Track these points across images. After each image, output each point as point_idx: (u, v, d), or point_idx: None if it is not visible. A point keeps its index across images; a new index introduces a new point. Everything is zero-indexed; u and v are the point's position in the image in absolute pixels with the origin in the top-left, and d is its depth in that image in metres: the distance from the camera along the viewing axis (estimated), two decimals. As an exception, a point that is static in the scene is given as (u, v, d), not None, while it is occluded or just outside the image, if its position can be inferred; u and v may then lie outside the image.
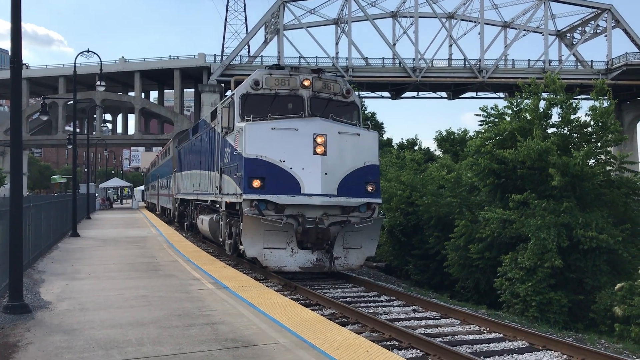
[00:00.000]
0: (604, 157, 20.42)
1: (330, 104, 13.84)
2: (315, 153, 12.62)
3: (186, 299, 9.32)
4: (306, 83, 13.52)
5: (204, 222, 18.16)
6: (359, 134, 13.44)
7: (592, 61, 73.31)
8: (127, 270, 12.84)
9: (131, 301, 9.18)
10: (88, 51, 25.70)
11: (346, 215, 13.13)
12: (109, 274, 12.30)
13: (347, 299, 11.93)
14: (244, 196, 12.60)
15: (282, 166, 12.60)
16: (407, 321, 10.27)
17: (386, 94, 76.55)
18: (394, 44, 72.19)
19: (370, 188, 13.36)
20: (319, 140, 12.63)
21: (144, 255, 15.73)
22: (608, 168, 20.36)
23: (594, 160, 20.18)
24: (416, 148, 45.59)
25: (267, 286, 11.52)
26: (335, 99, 13.97)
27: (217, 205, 15.93)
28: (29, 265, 12.92)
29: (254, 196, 12.52)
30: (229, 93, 23.25)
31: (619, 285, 16.02)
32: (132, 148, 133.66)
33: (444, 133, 41.36)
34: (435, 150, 44.15)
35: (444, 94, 77.59)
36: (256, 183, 12.54)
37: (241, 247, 12.93)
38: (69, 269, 13.10)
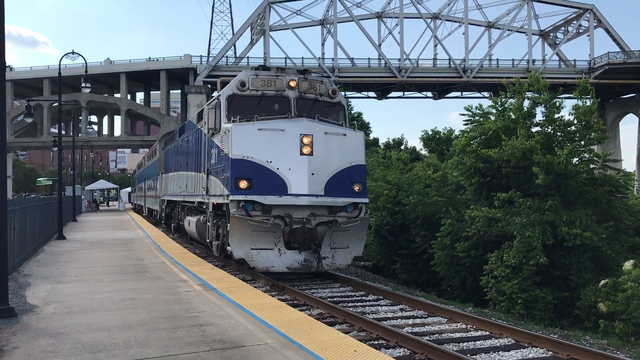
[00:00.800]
0: (587, 156, 20.67)
1: (317, 104, 13.89)
2: (302, 153, 12.65)
3: (174, 301, 9.31)
4: (292, 84, 13.56)
5: (191, 223, 18.12)
6: (345, 134, 13.48)
7: (575, 60, 74.12)
8: (114, 272, 12.79)
9: (118, 304, 9.16)
10: (73, 53, 25.52)
11: (333, 215, 13.17)
12: (96, 276, 12.24)
13: (335, 299, 11.99)
14: (231, 197, 12.58)
15: (269, 167, 12.61)
16: (394, 320, 10.33)
17: (372, 94, 76.81)
18: (380, 45, 72.47)
19: (357, 188, 13.41)
20: (306, 140, 12.67)
21: (131, 257, 15.67)
22: (591, 166, 20.62)
23: (577, 159, 20.42)
24: (402, 147, 45.83)
25: (254, 287, 11.53)
26: (322, 100, 14.02)
27: (204, 207, 15.90)
28: (15, 268, 12.83)
29: (241, 197, 12.52)
30: (215, 94, 23.21)
31: (603, 282, 16.24)
32: (118, 150, 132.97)
33: (430, 132, 41.65)
34: (421, 149, 44.43)
35: (429, 94, 77.98)
36: (243, 184, 12.55)
37: (228, 248, 12.93)
38: (55, 272, 13.02)
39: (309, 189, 12.66)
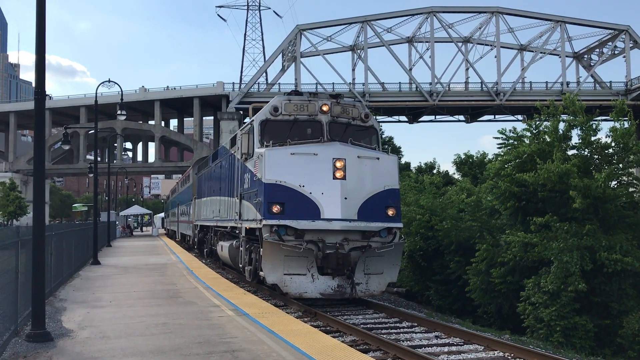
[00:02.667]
0: (626, 179, 20.17)
1: (349, 128, 13.80)
2: (334, 177, 12.52)
3: (206, 326, 9.28)
4: (325, 108, 13.51)
5: (223, 248, 18.07)
6: (378, 158, 13.36)
7: (610, 82, 72.90)
8: (147, 297, 12.86)
9: (152, 329, 9.17)
10: (109, 81, 26.14)
11: (366, 240, 12.91)
12: (130, 301, 12.32)
13: (368, 325, 11.80)
14: (264, 222, 12.47)
15: (302, 191, 12.52)
16: (429, 347, 10.11)
17: (403, 118, 76.71)
18: (411, 69, 72.52)
19: (390, 212, 13.18)
20: (338, 164, 12.56)
21: (164, 282, 15.76)
22: (631, 190, 20.10)
23: (616, 182, 19.94)
24: (435, 172, 45.42)
25: (287, 313, 11.45)
26: (354, 124, 13.92)
27: (237, 232, 15.80)
28: (51, 293, 13.00)
29: (274, 221, 12.39)
30: (247, 120, 23.44)
31: (646, 309, 15.69)
32: (152, 176, 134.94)
33: (463, 156, 41.18)
34: (454, 173, 43.95)
35: (461, 117, 77.54)
36: (276, 208, 12.46)
37: (261, 273, 12.75)
38: (90, 296, 13.16)
39: (342, 213, 12.48)
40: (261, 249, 12.60)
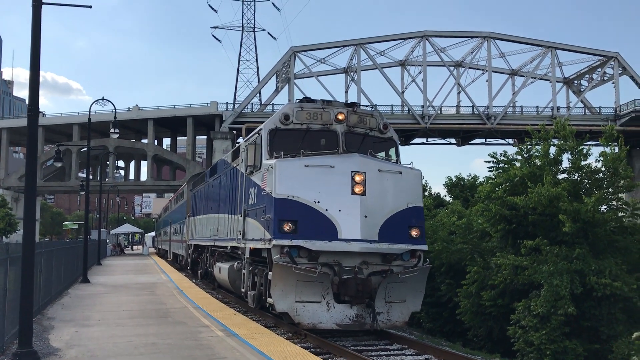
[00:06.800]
0: (615, 204, 20.31)
1: (366, 139, 12.70)
2: (353, 193, 11.33)
3: (195, 347, 9.24)
4: (340, 117, 12.37)
5: (222, 270, 16.61)
6: (400, 172, 12.20)
7: (600, 108, 73.68)
8: (137, 316, 12.78)
9: (140, 349, 9.11)
10: (103, 99, 26.22)
11: (388, 264, 11.71)
12: (119, 320, 12.24)
13: (358, 347, 11.75)
14: (274, 241, 11.17)
15: (317, 207, 11.29)
16: (419, 370, 10.08)
17: (396, 140, 76.90)
18: (403, 92, 73.10)
19: (414, 233, 12.01)
20: (358, 178, 11.37)
21: (154, 301, 15.67)
22: (620, 214, 20.23)
23: (605, 207, 20.07)
24: (426, 194, 45.50)
25: (277, 333, 11.40)
26: (372, 134, 12.84)
27: (239, 252, 14.48)
28: (39, 311, 12.90)
29: (285, 241, 11.13)
30: (240, 140, 23.27)
31: (636, 334, 15.67)
32: (144, 194, 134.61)
33: (454, 179, 41.31)
34: (445, 195, 43.99)
35: (453, 140, 77.96)
36: (287, 227, 11.17)
37: (269, 300, 11.41)
38: (79, 315, 13.06)
39: (362, 233, 11.23)
40: (270, 273, 11.37)
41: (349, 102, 13.18)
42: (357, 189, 11.33)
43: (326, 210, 11.27)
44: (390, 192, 11.85)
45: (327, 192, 11.32)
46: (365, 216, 11.31)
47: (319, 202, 11.30)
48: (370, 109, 13.97)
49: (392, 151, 13.26)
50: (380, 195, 11.67)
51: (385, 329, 12.29)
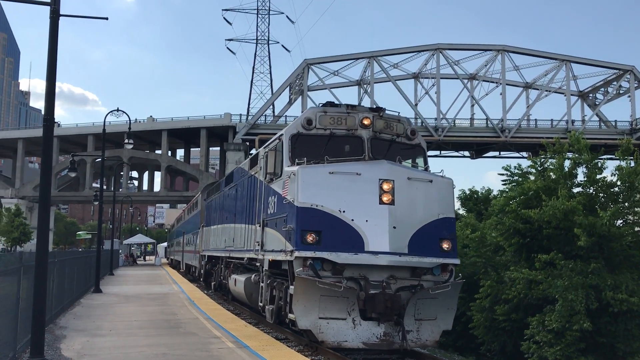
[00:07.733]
0: (632, 218, 20.08)
1: (393, 146, 12.09)
2: (381, 202, 10.69)
3: (206, 358, 9.19)
4: (366, 122, 11.80)
5: (238, 282, 15.81)
6: (431, 181, 11.53)
7: (615, 121, 73.14)
8: (148, 327, 12.76)
9: (151, 359, 9.09)
10: (118, 110, 26.42)
11: (417, 279, 11.02)
12: (130, 330, 12.23)
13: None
14: (296, 253, 10.52)
15: (342, 217, 10.65)
16: (431, 385, 9.95)
17: (409, 152, 76.75)
18: (416, 104, 73.08)
19: (445, 246, 11.28)
20: (386, 187, 10.74)
21: (165, 312, 15.65)
22: (637, 229, 19.99)
23: (621, 221, 19.85)
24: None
25: (288, 346, 11.33)
26: (399, 141, 12.22)
27: (257, 264, 13.75)
28: (51, 320, 12.93)
29: (309, 253, 10.46)
30: (253, 151, 23.19)
31: (652, 350, 15.44)
32: (157, 205, 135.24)
33: (467, 192, 41.11)
34: (458, 209, 43.76)
35: (466, 153, 77.77)
36: (310, 237, 10.51)
37: (291, 315, 10.79)
38: (90, 325, 13.07)
39: (390, 245, 10.57)
40: (291, 287, 10.75)
41: (374, 107, 12.56)
42: (385, 198, 10.73)
43: (352, 220, 10.67)
44: (420, 202, 11.23)
45: (353, 201, 10.73)
46: (394, 227, 10.69)
47: (344, 211, 10.70)
48: (398, 114, 13.17)
49: (419, 159, 12.71)
50: (410, 205, 11.05)
51: (415, 349, 11.41)
